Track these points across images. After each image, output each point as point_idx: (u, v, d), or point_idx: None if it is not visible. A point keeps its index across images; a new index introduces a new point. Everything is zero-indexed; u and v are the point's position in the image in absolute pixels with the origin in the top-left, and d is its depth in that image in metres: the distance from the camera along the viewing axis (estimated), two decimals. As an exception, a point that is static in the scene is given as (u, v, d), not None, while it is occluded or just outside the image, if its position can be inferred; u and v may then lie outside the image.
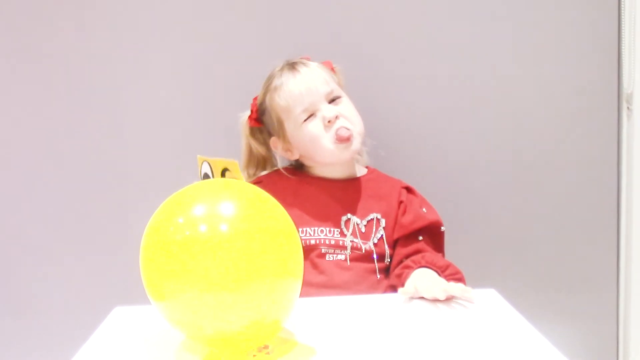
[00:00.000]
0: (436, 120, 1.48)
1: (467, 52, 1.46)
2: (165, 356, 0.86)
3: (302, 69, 1.25)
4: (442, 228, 1.25)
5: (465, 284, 1.15)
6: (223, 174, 1.18)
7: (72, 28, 1.44)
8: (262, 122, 1.31)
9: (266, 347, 0.84)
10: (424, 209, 1.26)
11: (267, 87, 1.27)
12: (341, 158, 1.25)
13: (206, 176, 1.20)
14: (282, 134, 1.27)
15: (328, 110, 1.22)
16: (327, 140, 1.22)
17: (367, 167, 1.34)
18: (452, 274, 1.15)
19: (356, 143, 1.24)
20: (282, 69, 1.26)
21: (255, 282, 0.77)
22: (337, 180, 1.28)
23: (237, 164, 1.17)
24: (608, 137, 1.49)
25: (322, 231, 1.22)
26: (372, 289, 1.20)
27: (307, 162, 1.30)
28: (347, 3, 1.45)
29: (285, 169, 1.31)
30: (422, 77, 1.47)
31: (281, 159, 1.34)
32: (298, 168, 1.32)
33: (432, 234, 1.24)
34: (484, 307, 0.98)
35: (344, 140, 1.22)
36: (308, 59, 1.29)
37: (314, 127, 1.22)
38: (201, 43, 1.45)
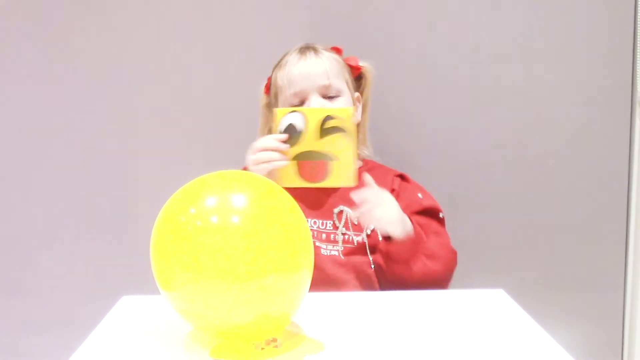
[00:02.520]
0: (446, 119, 1.47)
1: (479, 51, 1.45)
2: (173, 347, 0.86)
3: (309, 55, 1.24)
4: (441, 214, 1.24)
5: (448, 241, 1.18)
6: (324, 122, 1.14)
7: (80, 27, 1.44)
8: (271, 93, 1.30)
9: (274, 340, 0.84)
10: (419, 194, 1.24)
11: (278, 62, 1.27)
12: None
13: (290, 128, 1.16)
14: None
15: (314, 104, 1.20)
16: None
17: (362, 160, 1.32)
18: (434, 232, 1.16)
19: None
20: (298, 49, 1.26)
21: (265, 275, 0.77)
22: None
23: (350, 110, 1.14)
24: (619, 138, 1.49)
25: (314, 223, 1.21)
26: (367, 283, 1.19)
27: None
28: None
29: None
30: (434, 75, 1.46)
31: None
32: None
33: (431, 217, 1.22)
34: (492, 307, 0.98)
35: None
36: (338, 51, 1.28)
37: None
38: (210, 40, 1.45)
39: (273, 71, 1.28)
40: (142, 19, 1.44)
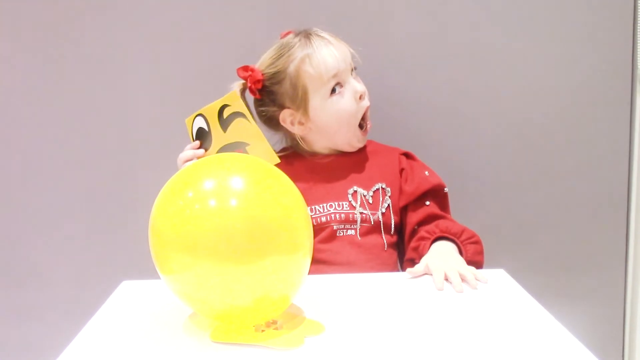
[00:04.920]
0: (446, 100, 1.46)
1: (477, 39, 1.44)
2: (173, 330, 0.86)
3: (329, 38, 1.22)
4: (446, 189, 1.25)
5: (482, 246, 1.16)
6: (221, 115, 1.16)
7: (77, 26, 1.43)
8: (267, 93, 1.24)
9: (274, 322, 0.84)
10: (426, 172, 1.25)
11: (289, 55, 1.21)
12: (354, 146, 1.27)
13: (201, 132, 1.19)
14: (302, 106, 1.22)
15: (358, 85, 1.22)
16: (354, 122, 1.23)
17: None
18: (468, 238, 1.15)
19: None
20: (305, 37, 1.22)
21: (264, 257, 0.77)
22: (338, 154, 1.27)
23: (235, 93, 1.16)
24: (620, 119, 1.48)
25: (331, 206, 1.21)
26: (383, 264, 1.20)
27: (312, 137, 1.27)
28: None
29: (281, 151, 1.29)
30: (433, 70, 1.45)
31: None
32: (293, 147, 1.29)
33: (437, 197, 1.24)
34: (494, 287, 0.98)
35: (366, 133, 1.26)
36: None
37: (347, 102, 1.21)
38: (208, 38, 1.43)
39: (284, 65, 1.21)
40: (141, 16, 1.43)
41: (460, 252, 1.13)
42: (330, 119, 1.22)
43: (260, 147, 1.13)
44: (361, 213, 1.21)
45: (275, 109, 1.25)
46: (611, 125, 1.48)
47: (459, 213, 1.27)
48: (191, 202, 0.80)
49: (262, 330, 0.82)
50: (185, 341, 0.83)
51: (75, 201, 1.48)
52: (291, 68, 1.20)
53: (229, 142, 1.16)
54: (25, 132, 1.47)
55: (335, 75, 1.19)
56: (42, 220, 1.49)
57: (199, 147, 1.20)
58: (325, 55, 1.19)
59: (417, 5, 1.42)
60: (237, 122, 1.15)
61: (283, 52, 1.22)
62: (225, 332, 0.83)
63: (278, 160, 1.11)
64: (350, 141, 1.26)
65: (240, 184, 0.81)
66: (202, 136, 1.20)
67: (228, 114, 1.16)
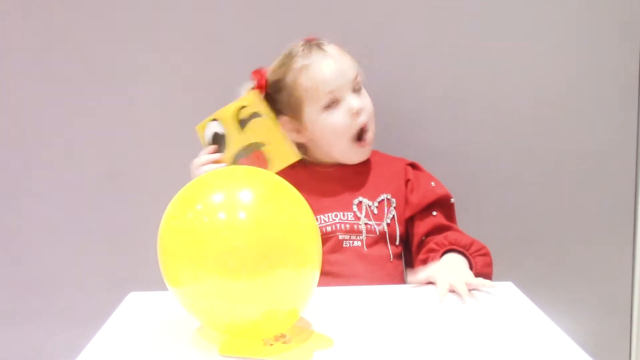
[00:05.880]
0: (452, 115, 1.46)
1: (484, 40, 1.44)
2: (181, 343, 0.85)
3: (331, 50, 1.21)
4: (452, 200, 1.24)
5: (490, 258, 1.16)
6: (239, 117, 1.15)
7: (81, 22, 1.43)
8: (269, 99, 1.23)
9: (283, 336, 0.83)
10: (432, 183, 1.24)
11: (289, 65, 1.21)
12: (352, 160, 1.25)
13: (217, 137, 1.18)
14: (297, 116, 1.22)
15: (354, 101, 1.20)
16: (347, 137, 1.21)
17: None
18: (477, 250, 1.14)
19: (370, 147, 1.25)
20: (308, 48, 1.21)
21: (273, 270, 0.77)
22: (343, 165, 1.26)
23: (256, 92, 1.15)
24: (627, 128, 1.47)
25: (336, 216, 1.21)
26: (389, 276, 1.19)
27: (313, 147, 1.26)
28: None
29: None
30: (440, 79, 1.44)
31: None
32: (303, 154, 1.29)
33: (444, 207, 1.23)
34: (502, 300, 0.98)
35: (364, 144, 1.23)
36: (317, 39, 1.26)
37: (339, 118, 1.20)
38: (208, 37, 1.43)
39: (284, 74, 1.21)
40: (141, 16, 1.43)
41: (470, 265, 1.13)
42: (322, 133, 1.22)
43: (279, 146, 1.12)
44: (366, 224, 1.20)
45: (276, 114, 1.24)
46: (619, 135, 1.47)
47: (465, 223, 1.26)
48: (200, 214, 0.80)
49: (271, 344, 0.82)
50: (194, 354, 0.82)
51: (83, 211, 1.47)
52: (289, 78, 1.21)
53: (249, 142, 1.16)
54: (34, 142, 1.46)
55: (330, 92, 1.19)
56: (49, 232, 1.48)
57: (215, 152, 1.21)
58: (323, 69, 1.19)
59: (420, 14, 1.42)
60: (254, 123, 1.15)
61: (286, 60, 1.22)
62: (233, 345, 0.82)
63: (299, 157, 1.11)
64: (346, 154, 1.24)
65: (249, 197, 0.81)
66: (217, 141, 1.19)
67: (246, 115, 1.15)
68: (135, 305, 1.01)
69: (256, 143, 1.15)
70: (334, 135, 1.22)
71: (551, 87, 1.46)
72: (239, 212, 0.79)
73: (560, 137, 1.47)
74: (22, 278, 1.50)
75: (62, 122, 1.46)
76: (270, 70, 1.24)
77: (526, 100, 1.46)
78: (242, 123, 1.16)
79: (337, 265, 1.17)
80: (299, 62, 1.20)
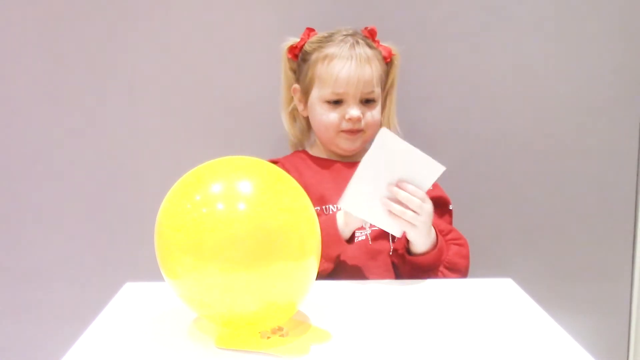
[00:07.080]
0: (455, 111, 1.46)
1: (491, 39, 1.43)
2: (177, 335, 0.85)
3: (363, 53, 1.20)
4: (450, 206, 1.24)
5: (467, 250, 1.16)
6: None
7: (83, 27, 1.42)
8: (299, 63, 1.28)
9: (280, 329, 0.83)
10: (430, 187, 1.23)
11: (322, 45, 1.22)
12: (341, 147, 1.24)
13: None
14: (305, 92, 1.25)
15: (354, 111, 1.20)
16: (333, 130, 1.22)
17: None
18: (453, 239, 1.15)
19: (362, 142, 1.24)
20: (344, 40, 1.21)
21: (271, 263, 0.76)
22: (353, 161, 1.26)
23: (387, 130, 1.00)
24: (628, 128, 1.47)
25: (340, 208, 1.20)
26: (388, 270, 1.18)
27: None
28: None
29: (303, 151, 1.31)
30: (437, 67, 1.44)
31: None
32: (314, 146, 1.31)
33: (440, 206, 1.22)
34: (502, 297, 0.98)
35: (352, 135, 1.22)
36: (373, 32, 1.27)
37: (334, 117, 1.21)
38: (211, 33, 1.42)
39: (314, 51, 1.23)
40: (141, 15, 1.42)
41: (442, 250, 1.12)
42: (314, 119, 1.25)
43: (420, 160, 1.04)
44: None
45: (295, 80, 1.29)
46: (620, 134, 1.47)
47: (466, 221, 1.26)
48: (198, 205, 0.78)
49: (268, 337, 0.81)
50: (190, 346, 0.81)
51: (79, 201, 1.47)
52: (314, 56, 1.23)
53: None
54: (32, 133, 1.45)
55: (337, 93, 1.20)
56: (44, 221, 1.48)
57: None
58: (340, 69, 1.19)
59: (420, 14, 1.42)
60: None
61: (323, 39, 1.24)
62: (230, 338, 0.82)
63: (443, 168, 1.04)
64: (334, 141, 1.24)
65: (248, 189, 0.80)
66: None
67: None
68: (131, 295, 1.00)
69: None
70: (324, 127, 1.23)
71: (552, 87, 1.46)
72: (237, 203, 0.78)
73: (561, 137, 1.48)
74: (17, 269, 1.49)
75: (57, 118, 1.45)
76: (310, 39, 1.26)
77: (528, 100, 1.46)
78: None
79: (347, 259, 1.16)
80: (327, 49, 1.21)
